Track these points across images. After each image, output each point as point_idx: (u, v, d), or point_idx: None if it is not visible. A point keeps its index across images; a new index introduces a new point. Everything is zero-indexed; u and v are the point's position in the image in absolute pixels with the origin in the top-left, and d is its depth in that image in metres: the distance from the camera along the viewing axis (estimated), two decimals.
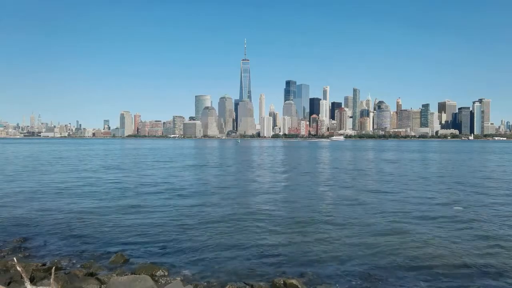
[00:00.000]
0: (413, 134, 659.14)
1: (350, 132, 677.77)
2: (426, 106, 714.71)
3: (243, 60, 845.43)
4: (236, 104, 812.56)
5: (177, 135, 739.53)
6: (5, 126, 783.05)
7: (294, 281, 11.12)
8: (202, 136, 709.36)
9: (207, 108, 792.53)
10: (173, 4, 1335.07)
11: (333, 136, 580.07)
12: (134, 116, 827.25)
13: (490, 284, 11.54)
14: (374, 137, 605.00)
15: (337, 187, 33.59)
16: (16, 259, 10.43)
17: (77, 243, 15.43)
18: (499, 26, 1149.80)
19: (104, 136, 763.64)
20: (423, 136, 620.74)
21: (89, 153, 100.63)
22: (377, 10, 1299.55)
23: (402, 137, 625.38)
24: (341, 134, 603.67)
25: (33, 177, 39.93)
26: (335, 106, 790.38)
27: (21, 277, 9.84)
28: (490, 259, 13.60)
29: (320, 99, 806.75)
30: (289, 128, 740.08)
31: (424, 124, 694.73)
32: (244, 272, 12.46)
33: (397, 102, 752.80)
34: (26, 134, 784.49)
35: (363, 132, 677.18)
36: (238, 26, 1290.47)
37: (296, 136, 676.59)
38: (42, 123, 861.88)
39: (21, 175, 42.55)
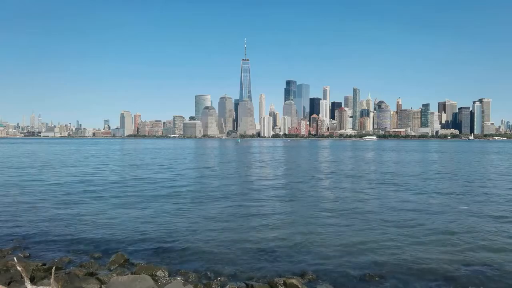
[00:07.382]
0: (413, 134, 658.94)
1: (350, 132, 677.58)
2: (426, 106, 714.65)
3: (243, 60, 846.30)
4: (236, 104, 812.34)
5: (177, 135, 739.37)
6: (5, 126, 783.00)
7: (294, 281, 11.10)
8: (202, 136, 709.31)
9: (207, 108, 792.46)
10: (173, 4, 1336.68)
11: (365, 136, 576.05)
12: (134, 116, 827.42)
13: (491, 283, 11.54)
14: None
15: (340, 186, 33.57)
16: (16, 259, 10.45)
17: (77, 243, 15.43)
18: (500, 26, 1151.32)
19: (104, 136, 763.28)
20: (423, 136, 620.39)
21: (84, 153, 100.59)
22: (377, 10, 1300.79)
23: (402, 137, 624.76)
24: (374, 134, 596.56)
25: (31, 177, 39.92)
26: (335, 106, 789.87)
27: (21, 277, 9.83)
28: (494, 258, 13.59)
29: (320, 99, 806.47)
30: (289, 128, 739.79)
31: (424, 124, 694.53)
32: (244, 272, 12.46)
33: (397, 102, 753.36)
34: (26, 134, 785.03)
35: (363, 132, 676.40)
36: (238, 26, 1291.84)
37: (296, 136, 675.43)
38: (42, 123, 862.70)
39: (20, 174, 42.54)
